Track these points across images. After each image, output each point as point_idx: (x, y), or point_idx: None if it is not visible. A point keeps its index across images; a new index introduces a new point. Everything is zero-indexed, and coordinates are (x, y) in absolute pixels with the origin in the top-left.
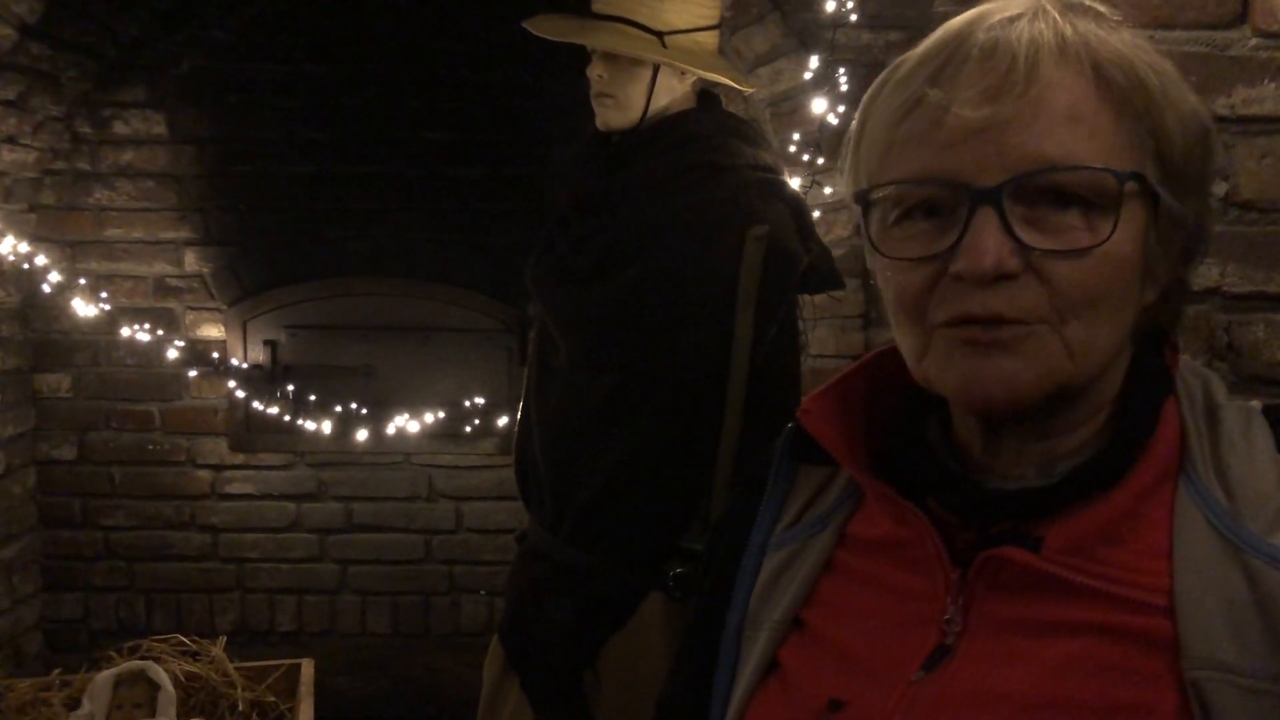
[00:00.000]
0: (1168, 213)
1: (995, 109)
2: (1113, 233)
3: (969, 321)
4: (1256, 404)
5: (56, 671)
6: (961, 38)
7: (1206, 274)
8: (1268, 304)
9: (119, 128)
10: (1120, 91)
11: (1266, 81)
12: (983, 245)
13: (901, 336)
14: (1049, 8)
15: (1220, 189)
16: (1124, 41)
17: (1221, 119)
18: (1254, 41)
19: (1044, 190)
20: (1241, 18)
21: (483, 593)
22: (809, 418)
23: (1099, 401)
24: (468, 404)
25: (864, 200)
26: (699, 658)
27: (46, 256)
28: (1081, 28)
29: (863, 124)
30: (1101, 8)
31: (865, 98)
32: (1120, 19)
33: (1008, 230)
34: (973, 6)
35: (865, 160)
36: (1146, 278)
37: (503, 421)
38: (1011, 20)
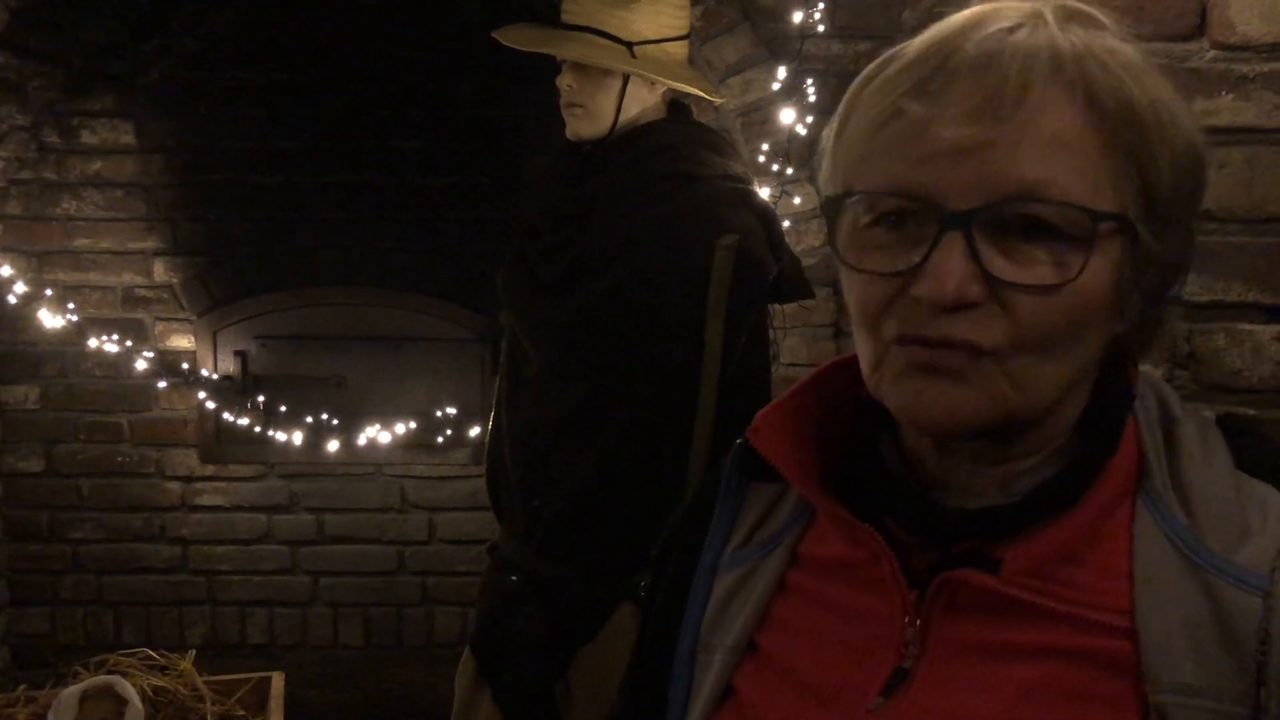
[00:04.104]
0: (1145, 250)
1: (978, 130)
2: (1081, 272)
3: (919, 342)
4: (1210, 414)
5: (22, 687)
6: (952, 47)
7: None
8: (1227, 313)
9: (86, 137)
10: (1112, 122)
11: (1224, 93)
12: (946, 271)
13: (859, 345)
14: (1049, 19)
15: None
16: (1123, 63)
17: None
18: (1211, 53)
19: (1017, 219)
20: (1199, 30)
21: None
22: (758, 436)
23: (1058, 427)
24: (439, 414)
25: (834, 208)
26: (651, 681)
27: (12, 267)
28: (1080, 45)
29: (844, 121)
30: (1105, 19)
31: (849, 92)
32: (1125, 33)
33: (974, 257)
34: (938, 17)
35: (843, 162)
36: (1118, 311)
37: (475, 431)
38: (1009, 31)
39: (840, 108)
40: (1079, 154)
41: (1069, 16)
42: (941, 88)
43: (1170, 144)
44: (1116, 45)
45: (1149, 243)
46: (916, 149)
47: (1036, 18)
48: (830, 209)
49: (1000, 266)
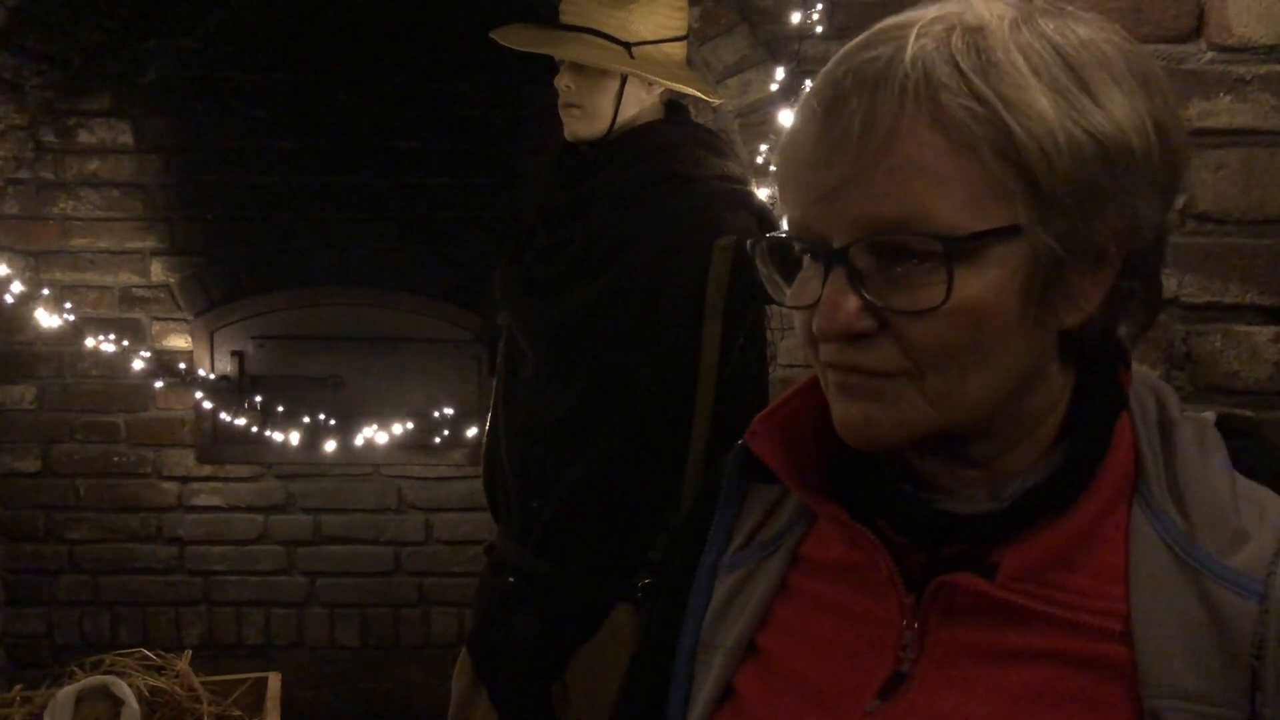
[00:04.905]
0: (1048, 251)
1: (836, 170)
2: (950, 291)
3: (837, 367)
4: (1210, 415)
5: (18, 687)
6: (815, 87)
7: (1164, 285)
8: (1224, 314)
9: (84, 136)
10: (967, 134)
11: (1221, 94)
12: (832, 305)
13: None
14: (911, 36)
15: (1178, 200)
16: (988, 65)
17: None
18: (1209, 55)
19: (890, 248)
20: (1197, 31)
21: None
22: (756, 439)
23: (1021, 430)
24: (436, 414)
25: (750, 248)
26: (652, 681)
27: (9, 266)
28: (935, 62)
29: None
30: (988, 14)
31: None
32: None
33: (857, 290)
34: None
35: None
36: (1037, 315)
37: (472, 432)
38: (868, 61)
39: None
40: (944, 174)
41: (949, 26)
42: (802, 134)
43: (1051, 140)
44: (987, 46)
45: (1046, 243)
46: (801, 193)
47: (901, 39)
48: (751, 248)
49: (884, 295)
